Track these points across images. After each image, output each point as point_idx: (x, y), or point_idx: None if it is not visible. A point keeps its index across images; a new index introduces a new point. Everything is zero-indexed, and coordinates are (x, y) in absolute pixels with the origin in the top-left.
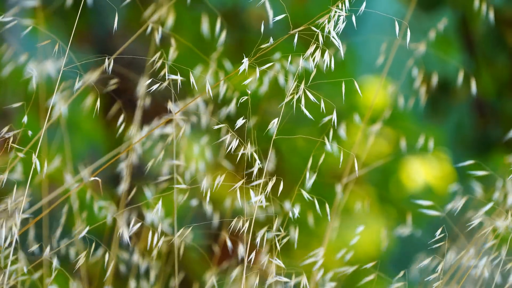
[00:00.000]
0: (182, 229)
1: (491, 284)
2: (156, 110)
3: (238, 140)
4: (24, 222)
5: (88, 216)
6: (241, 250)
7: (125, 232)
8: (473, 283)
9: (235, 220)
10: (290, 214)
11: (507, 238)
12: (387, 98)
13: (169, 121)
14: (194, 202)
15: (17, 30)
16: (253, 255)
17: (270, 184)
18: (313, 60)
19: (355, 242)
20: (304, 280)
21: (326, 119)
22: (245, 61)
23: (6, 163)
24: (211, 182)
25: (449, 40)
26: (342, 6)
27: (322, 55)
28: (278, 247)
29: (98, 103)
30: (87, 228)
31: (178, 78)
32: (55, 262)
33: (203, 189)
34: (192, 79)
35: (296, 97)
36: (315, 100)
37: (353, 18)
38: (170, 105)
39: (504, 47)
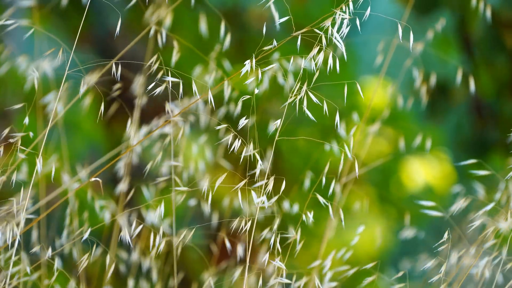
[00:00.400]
0: (181, 229)
1: (492, 284)
2: (156, 110)
3: (240, 140)
4: (26, 222)
5: (89, 217)
6: (241, 250)
7: (126, 233)
8: (474, 283)
9: (237, 220)
10: (303, 218)
11: (507, 238)
12: (387, 98)
13: (169, 122)
14: (193, 202)
15: (15, 31)
16: (254, 255)
17: (271, 185)
18: (316, 63)
19: (355, 242)
20: (316, 281)
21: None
22: (247, 63)
23: (7, 164)
24: (211, 183)
25: (448, 41)
26: (345, 9)
27: (326, 57)
28: (279, 248)
29: (102, 106)
30: (89, 230)
31: (180, 81)
32: (56, 263)
33: (203, 190)
34: (194, 86)
35: (298, 98)
36: (317, 101)
37: (357, 21)
38: (169, 106)
39: (503, 48)
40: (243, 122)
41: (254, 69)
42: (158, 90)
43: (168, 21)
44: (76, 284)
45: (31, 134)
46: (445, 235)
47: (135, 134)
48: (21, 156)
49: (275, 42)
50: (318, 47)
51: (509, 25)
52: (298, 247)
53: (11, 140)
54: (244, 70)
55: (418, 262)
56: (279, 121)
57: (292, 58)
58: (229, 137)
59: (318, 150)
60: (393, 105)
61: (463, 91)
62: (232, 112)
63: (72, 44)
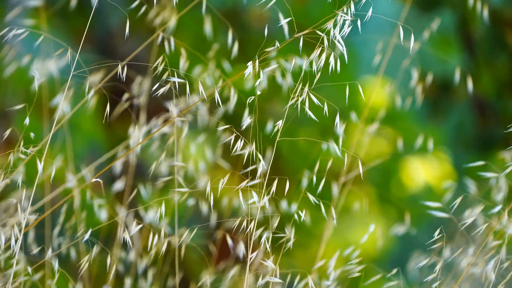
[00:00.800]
0: (181, 229)
1: (493, 285)
2: (156, 109)
3: (242, 141)
4: (26, 223)
5: (89, 217)
6: (241, 250)
7: (126, 233)
8: (475, 283)
9: (238, 220)
10: (296, 217)
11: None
12: (387, 98)
13: (170, 122)
14: (192, 202)
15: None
16: (253, 255)
17: (274, 185)
18: (317, 64)
19: (357, 242)
20: (310, 282)
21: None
22: (250, 64)
23: (9, 165)
24: (212, 183)
25: (449, 40)
26: (347, 10)
27: (327, 58)
28: (268, 248)
29: (108, 108)
30: (90, 231)
31: (186, 81)
32: (56, 264)
33: (206, 192)
34: (200, 87)
35: (300, 99)
36: (318, 103)
37: (358, 23)
38: (171, 106)
39: (504, 47)
40: (246, 122)
41: (257, 71)
42: (161, 90)
43: (172, 23)
44: (76, 284)
45: (32, 135)
46: (440, 233)
47: (136, 134)
48: (23, 157)
49: (277, 44)
50: (320, 48)
51: (511, 23)
52: (290, 243)
53: (23, 150)
54: (247, 72)
55: (419, 262)
56: (280, 121)
57: (293, 59)
58: (231, 138)
59: (317, 150)
60: (392, 105)
61: (465, 90)
62: (233, 113)
63: (73, 44)
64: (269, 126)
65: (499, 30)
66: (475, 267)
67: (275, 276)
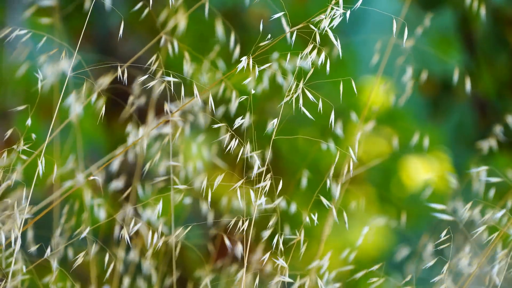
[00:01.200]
0: (179, 228)
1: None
2: (158, 110)
3: (237, 140)
4: (25, 222)
5: (89, 216)
6: (239, 249)
7: (125, 232)
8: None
9: (234, 219)
10: (307, 219)
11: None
12: (386, 97)
13: (167, 121)
14: (189, 201)
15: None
16: (250, 254)
17: (268, 184)
18: (312, 61)
19: (358, 243)
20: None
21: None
22: (244, 59)
23: (10, 165)
24: (209, 182)
25: (449, 39)
26: (340, 3)
27: (319, 54)
28: (282, 248)
29: (101, 104)
30: (88, 229)
31: (181, 82)
32: (55, 263)
33: (201, 190)
34: (195, 89)
35: (294, 96)
36: (314, 99)
37: (348, 13)
38: (167, 106)
39: (505, 46)
40: (243, 121)
41: (251, 67)
42: (158, 90)
43: (182, 26)
44: (75, 283)
45: (33, 136)
46: (444, 235)
47: (135, 134)
48: (23, 157)
49: (269, 36)
50: (312, 44)
51: (511, 23)
52: (303, 249)
53: (21, 146)
54: (240, 66)
55: (419, 262)
56: (275, 120)
57: (288, 55)
58: (226, 136)
59: (316, 150)
60: (392, 105)
61: (465, 90)
62: (229, 111)
63: (73, 45)
64: (269, 126)
65: (499, 29)
66: (477, 268)
67: (283, 275)
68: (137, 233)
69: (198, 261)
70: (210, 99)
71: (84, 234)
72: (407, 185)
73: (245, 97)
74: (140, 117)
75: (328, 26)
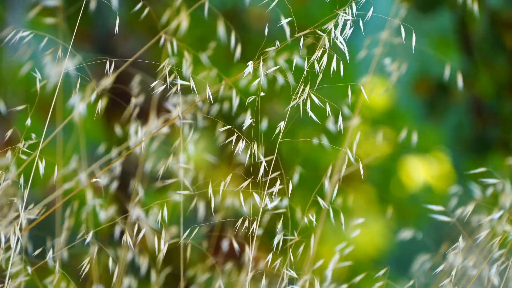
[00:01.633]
0: (182, 229)
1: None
2: (158, 110)
3: (244, 141)
4: (27, 223)
5: (89, 217)
6: (243, 250)
7: (128, 237)
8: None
9: (240, 220)
10: (306, 221)
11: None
12: (386, 98)
13: (170, 122)
14: (193, 203)
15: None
16: (252, 254)
17: (277, 187)
18: (319, 65)
19: (356, 242)
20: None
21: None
22: (250, 64)
23: (9, 165)
24: (214, 185)
25: (447, 41)
26: (348, 10)
27: (330, 59)
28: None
29: (102, 104)
30: (91, 232)
31: (190, 85)
32: (57, 265)
33: (206, 192)
34: (192, 84)
35: (301, 100)
36: (319, 103)
37: (361, 23)
38: (173, 107)
39: (503, 48)
40: (247, 122)
41: (258, 70)
42: (159, 90)
43: (184, 26)
44: (76, 285)
45: (33, 136)
46: (447, 239)
47: (135, 134)
48: (23, 157)
49: (278, 43)
50: (322, 49)
51: (509, 25)
52: (300, 249)
53: (22, 146)
54: (246, 71)
55: (419, 263)
56: (282, 123)
57: (294, 60)
58: (233, 138)
59: (314, 149)
60: (391, 105)
61: (463, 91)
62: (231, 112)
63: (73, 44)
64: (264, 125)
65: (497, 31)
66: (475, 269)
67: (283, 279)
68: (139, 233)
69: (199, 262)
70: (209, 92)
71: (88, 238)
72: (407, 185)
73: (253, 97)
74: (141, 117)
75: (340, 35)
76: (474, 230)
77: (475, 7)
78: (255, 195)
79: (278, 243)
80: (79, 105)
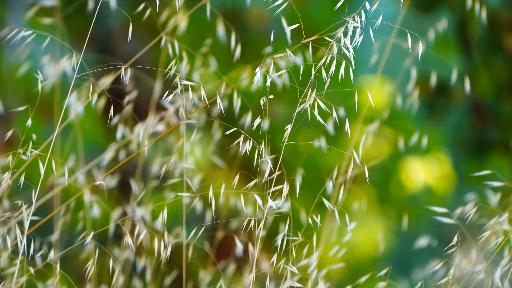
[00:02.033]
0: (179, 229)
1: None
2: (158, 110)
3: (251, 143)
4: (29, 224)
5: (89, 218)
6: (245, 250)
7: (129, 239)
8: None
9: (246, 221)
10: (310, 222)
11: None
12: (386, 98)
13: (177, 124)
14: (195, 203)
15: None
16: (273, 259)
17: (286, 189)
18: (328, 73)
19: (353, 241)
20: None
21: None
22: (258, 70)
23: (12, 166)
24: (215, 186)
25: (447, 41)
26: (358, 17)
27: (338, 66)
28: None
29: (101, 104)
30: (92, 233)
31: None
32: (58, 266)
33: (208, 192)
34: (203, 93)
35: (309, 104)
36: (326, 108)
37: (371, 31)
38: (179, 109)
39: (500, 49)
40: (256, 123)
41: (262, 74)
42: (158, 90)
43: (182, 26)
44: (76, 285)
45: (34, 136)
46: (450, 240)
47: (138, 135)
48: (24, 157)
49: (289, 52)
50: (330, 55)
51: (508, 26)
52: (305, 250)
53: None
54: (256, 79)
55: (420, 264)
56: (289, 126)
57: (301, 65)
58: (240, 140)
59: (320, 153)
60: (392, 105)
61: (462, 91)
62: (230, 113)
63: (73, 44)
64: (266, 125)
65: (496, 32)
66: (481, 273)
67: (286, 278)
68: (138, 234)
69: (200, 262)
70: (219, 102)
71: (89, 240)
72: (407, 186)
73: (263, 98)
74: (141, 118)
75: (348, 41)
76: (476, 231)
77: (477, 7)
78: (257, 196)
79: (281, 244)
80: (76, 104)
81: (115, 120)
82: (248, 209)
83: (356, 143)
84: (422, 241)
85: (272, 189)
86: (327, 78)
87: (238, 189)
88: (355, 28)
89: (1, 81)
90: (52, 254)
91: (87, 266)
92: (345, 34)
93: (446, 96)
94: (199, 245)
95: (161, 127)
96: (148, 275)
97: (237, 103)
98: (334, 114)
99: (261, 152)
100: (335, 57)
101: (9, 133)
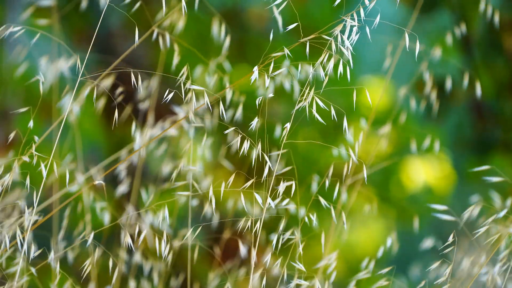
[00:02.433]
0: (184, 230)
1: None
2: (159, 111)
3: (248, 142)
4: (30, 224)
5: (92, 218)
6: (245, 250)
7: (128, 238)
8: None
9: (242, 220)
10: (306, 220)
11: None
12: (390, 99)
13: (175, 124)
14: (195, 203)
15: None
16: (267, 257)
17: (282, 188)
18: (325, 71)
19: (355, 242)
20: (316, 283)
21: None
22: (256, 69)
23: (10, 166)
24: (215, 185)
25: (447, 41)
26: (355, 15)
27: (337, 65)
28: (300, 250)
29: (101, 104)
30: (92, 233)
31: (204, 89)
32: (58, 266)
33: (209, 194)
34: (205, 95)
35: (307, 102)
36: (324, 106)
37: (367, 29)
38: (178, 110)
39: (500, 49)
40: (253, 123)
41: (265, 75)
42: (158, 91)
43: (181, 24)
44: (76, 285)
45: (36, 138)
46: (450, 238)
47: (141, 137)
48: (24, 158)
49: (286, 50)
50: (327, 54)
51: (508, 26)
52: (300, 248)
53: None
54: (252, 77)
55: (421, 264)
56: (288, 124)
57: (300, 64)
58: (237, 139)
59: (320, 152)
60: (392, 106)
61: (463, 91)
62: (237, 116)
63: (73, 44)
64: (277, 129)
65: (495, 32)
66: (483, 273)
67: (284, 277)
68: (140, 234)
69: (203, 262)
70: (221, 107)
71: (90, 240)
72: (407, 185)
73: (261, 97)
74: (142, 118)
75: (347, 40)
76: (475, 230)
77: (489, 10)
78: (257, 195)
79: (279, 243)
80: (72, 104)
81: (117, 120)
82: (254, 209)
83: (358, 143)
84: (427, 243)
85: (271, 188)
86: (325, 77)
87: (244, 190)
88: (352, 27)
89: (1, 81)
90: (52, 255)
91: (84, 265)
92: (343, 32)
93: (446, 96)
94: (205, 246)
95: (172, 131)
96: (156, 278)
97: (233, 99)
98: (333, 112)
99: (265, 152)
100: (333, 55)
101: (12, 135)
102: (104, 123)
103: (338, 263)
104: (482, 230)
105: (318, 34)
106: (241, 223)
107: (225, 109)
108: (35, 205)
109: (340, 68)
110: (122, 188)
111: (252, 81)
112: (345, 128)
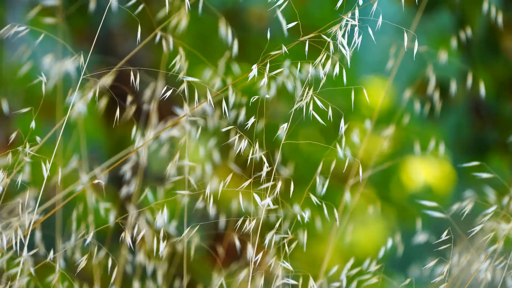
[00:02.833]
0: (187, 230)
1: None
2: (161, 111)
3: (246, 142)
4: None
5: (94, 218)
6: (249, 251)
7: (128, 237)
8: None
9: (240, 220)
10: (299, 218)
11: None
12: (391, 100)
13: (176, 124)
14: (199, 204)
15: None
16: (259, 256)
17: (279, 186)
18: (324, 70)
19: (355, 241)
20: (311, 283)
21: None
22: (254, 67)
23: (13, 166)
24: (217, 184)
25: (447, 41)
26: (353, 15)
27: (334, 64)
28: (287, 249)
29: (103, 104)
30: (92, 233)
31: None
32: (58, 266)
33: (207, 193)
34: (209, 94)
35: (305, 102)
36: (323, 106)
37: (369, 30)
38: (180, 109)
39: (498, 50)
40: (250, 122)
41: (264, 74)
42: (161, 91)
43: (183, 24)
44: (79, 285)
45: (38, 139)
46: (443, 235)
47: (142, 137)
48: (26, 159)
49: (284, 48)
50: (325, 54)
51: (507, 26)
52: (292, 246)
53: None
54: (251, 75)
55: (421, 263)
56: (286, 124)
57: (299, 63)
58: (235, 138)
59: (322, 153)
60: (394, 106)
61: (462, 92)
62: (238, 115)
63: (73, 44)
64: (279, 129)
65: (494, 33)
66: (480, 271)
67: (287, 277)
68: (144, 236)
69: (204, 262)
70: (224, 106)
71: (89, 239)
72: (407, 185)
73: (258, 97)
74: (143, 118)
75: (343, 39)
76: (472, 229)
77: (492, 10)
78: (254, 194)
79: (275, 242)
80: (78, 104)
81: (118, 119)
82: (253, 210)
83: (357, 143)
84: (421, 237)
85: (269, 187)
86: (323, 76)
87: (244, 190)
88: (353, 26)
89: (2, 81)
90: (52, 254)
91: (81, 260)
92: (344, 33)
93: (445, 96)
94: (205, 246)
95: (174, 131)
96: (160, 278)
97: (233, 98)
98: (330, 112)
99: (256, 150)
100: (331, 55)
101: (13, 135)
102: (106, 123)
103: (339, 263)
104: (478, 228)
105: (318, 33)
106: (238, 223)
107: (228, 110)
108: (37, 205)
109: (337, 68)
110: (126, 189)
111: (249, 79)
112: (341, 128)
